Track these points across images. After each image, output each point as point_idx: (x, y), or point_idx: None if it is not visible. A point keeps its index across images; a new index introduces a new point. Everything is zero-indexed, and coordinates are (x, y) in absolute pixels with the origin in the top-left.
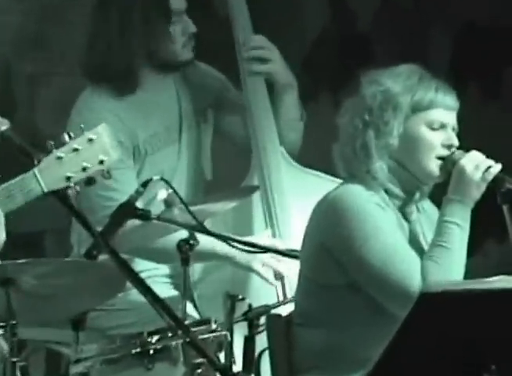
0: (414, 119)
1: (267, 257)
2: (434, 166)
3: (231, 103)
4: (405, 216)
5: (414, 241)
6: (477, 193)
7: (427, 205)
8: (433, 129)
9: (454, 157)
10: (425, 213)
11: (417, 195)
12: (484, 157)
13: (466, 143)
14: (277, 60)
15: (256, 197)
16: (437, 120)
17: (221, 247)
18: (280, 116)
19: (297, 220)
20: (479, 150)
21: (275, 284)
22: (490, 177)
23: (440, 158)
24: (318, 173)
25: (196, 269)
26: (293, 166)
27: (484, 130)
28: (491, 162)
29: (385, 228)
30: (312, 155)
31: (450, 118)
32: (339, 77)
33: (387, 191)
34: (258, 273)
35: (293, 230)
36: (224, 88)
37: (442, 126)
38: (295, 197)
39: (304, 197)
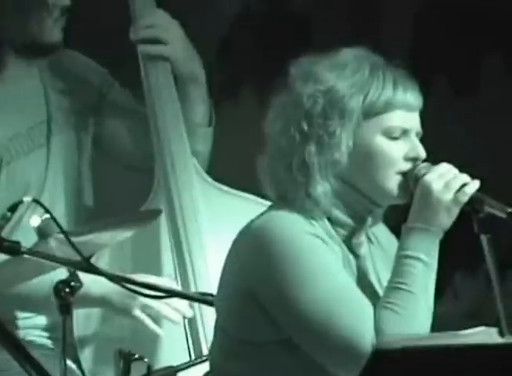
0: (367, 126)
1: (155, 301)
2: (392, 184)
3: (114, 105)
4: (353, 250)
5: (364, 282)
6: (447, 220)
7: (381, 233)
8: (392, 138)
9: (417, 171)
10: (379, 244)
11: (369, 220)
12: (456, 171)
13: (431, 152)
14: (176, 42)
15: (164, 223)
16: (397, 126)
17: (96, 288)
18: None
19: (214, 254)
20: (448, 161)
21: (159, 333)
22: (465, 198)
23: (401, 174)
24: (240, 193)
25: (79, 318)
26: (208, 183)
27: (453, 135)
28: (465, 178)
29: (328, 269)
30: (230, 169)
31: (413, 121)
32: (265, 67)
33: (330, 219)
34: (139, 320)
35: (208, 267)
36: (106, 84)
37: (404, 133)
38: (211, 223)
39: (223, 223)
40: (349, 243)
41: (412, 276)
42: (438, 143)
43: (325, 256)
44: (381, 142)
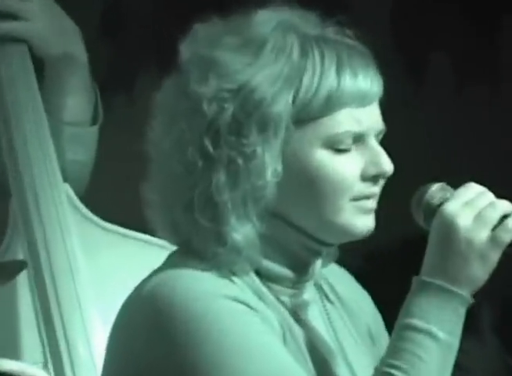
0: (301, 138)
1: None
2: (347, 216)
3: None
4: (297, 313)
5: (317, 360)
6: (482, 273)
7: (342, 283)
8: (340, 151)
9: (428, 198)
10: (340, 301)
11: (317, 267)
12: (489, 195)
13: (436, 159)
14: (39, 16)
15: (24, 282)
16: (345, 131)
17: None
18: (52, 118)
19: (100, 326)
20: (460, 175)
21: None
22: (509, 236)
23: (357, 199)
24: (136, 234)
25: None
26: (89, 221)
27: (465, 134)
28: (506, 206)
29: (257, 348)
30: (118, 194)
31: (370, 119)
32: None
33: (259, 272)
34: None
35: (92, 346)
36: None
37: (357, 139)
38: (96, 280)
39: (112, 280)
40: (290, 304)
41: (417, 359)
42: (443, 146)
43: (252, 329)
44: (324, 158)
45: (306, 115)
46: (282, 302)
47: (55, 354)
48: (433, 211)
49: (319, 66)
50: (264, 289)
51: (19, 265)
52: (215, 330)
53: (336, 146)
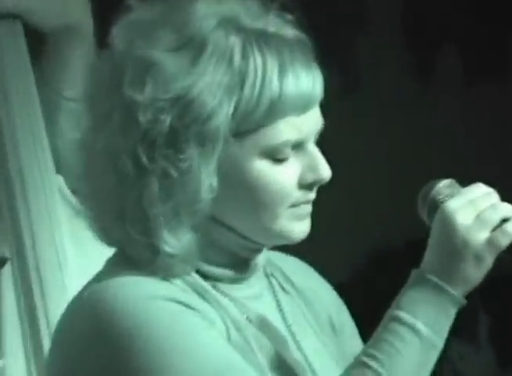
0: (240, 149)
1: None
2: (284, 222)
3: None
4: (245, 306)
5: (270, 356)
6: (476, 274)
7: (294, 270)
8: (278, 160)
9: (434, 193)
10: (296, 291)
11: (257, 260)
12: (495, 196)
13: (435, 165)
14: None
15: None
16: (285, 141)
17: None
18: (53, 93)
19: None
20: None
21: None
22: (506, 240)
23: (294, 206)
24: None
25: None
26: (79, 214)
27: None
28: (509, 209)
29: (200, 344)
30: None
31: (310, 125)
32: None
33: (198, 270)
34: None
35: None
36: None
37: (296, 146)
38: (83, 269)
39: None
40: (239, 298)
41: (395, 352)
42: (447, 147)
43: (193, 329)
44: (263, 168)
45: (246, 127)
46: (230, 298)
47: (38, 351)
48: (437, 207)
49: (261, 71)
50: (207, 287)
51: (3, 261)
52: (156, 333)
53: (275, 156)
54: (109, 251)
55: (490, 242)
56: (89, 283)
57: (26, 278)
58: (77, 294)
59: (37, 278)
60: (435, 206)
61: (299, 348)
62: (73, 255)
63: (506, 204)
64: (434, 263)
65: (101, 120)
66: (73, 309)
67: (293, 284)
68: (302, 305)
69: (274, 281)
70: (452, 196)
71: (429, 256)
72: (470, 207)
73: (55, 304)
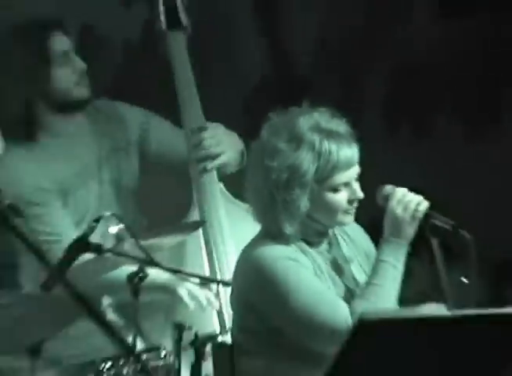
0: (319, 189)
1: (195, 287)
2: (341, 217)
3: (158, 124)
4: (324, 256)
5: (338, 271)
6: (410, 232)
7: (353, 231)
8: (337, 191)
9: (384, 192)
10: (350, 239)
11: (329, 234)
12: (411, 194)
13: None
14: (227, 148)
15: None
16: (340, 183)
17: (157, 277)
18: None
19: (232, 255)
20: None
21: (191, 308)
22: (420, 215)
23: (345, 210)
24: (243, 204)
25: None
26: (228, 200)
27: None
28: (419, 199)
29: (305, 279)
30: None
31: (353, 173)
32: None
33: (303, 239)
34: (182, 297)
35: (230, 264)
36: (145, 119)
37: (346, 184)
38: (232, 234)
39: (237, 233)
40: (323, 252)
41: (383, 276)
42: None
43: (300, 271)
44: (329, 196)
45: (322, 179)
46: (317, 252)
47: (212, 265)
48: (386, 198)
49: (328, 150)
50: (306, 248)
51: (201, 223)
52: (285, 274)
53: (335, 190)
54: (247, 228)
55: (413, 217)
56: (249, 247)
57: (207, 237)
58: (244, 255)
59: (211, 236)
60: (385, 199)
61: (354, 278)
62: (227, 226)
63: (416, 196)
64: (390, 232)
65: (253, 170)
66: (245, 261)
67: (348, 236)
68: (352, 245)
69: (339, 236)
70: (389, 199)
71: (386, 228)
72: (399, 204)
73: (220, 255)
